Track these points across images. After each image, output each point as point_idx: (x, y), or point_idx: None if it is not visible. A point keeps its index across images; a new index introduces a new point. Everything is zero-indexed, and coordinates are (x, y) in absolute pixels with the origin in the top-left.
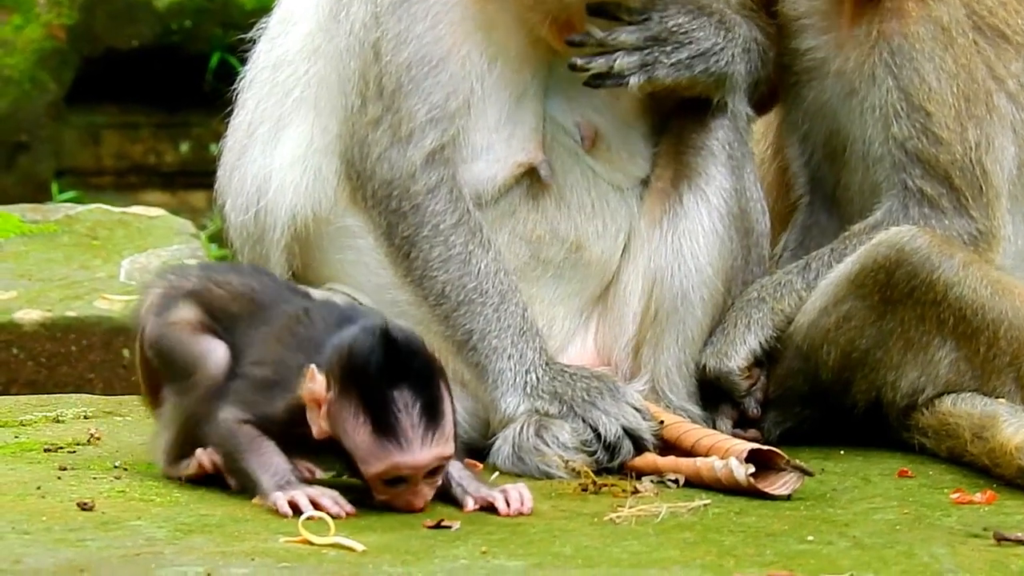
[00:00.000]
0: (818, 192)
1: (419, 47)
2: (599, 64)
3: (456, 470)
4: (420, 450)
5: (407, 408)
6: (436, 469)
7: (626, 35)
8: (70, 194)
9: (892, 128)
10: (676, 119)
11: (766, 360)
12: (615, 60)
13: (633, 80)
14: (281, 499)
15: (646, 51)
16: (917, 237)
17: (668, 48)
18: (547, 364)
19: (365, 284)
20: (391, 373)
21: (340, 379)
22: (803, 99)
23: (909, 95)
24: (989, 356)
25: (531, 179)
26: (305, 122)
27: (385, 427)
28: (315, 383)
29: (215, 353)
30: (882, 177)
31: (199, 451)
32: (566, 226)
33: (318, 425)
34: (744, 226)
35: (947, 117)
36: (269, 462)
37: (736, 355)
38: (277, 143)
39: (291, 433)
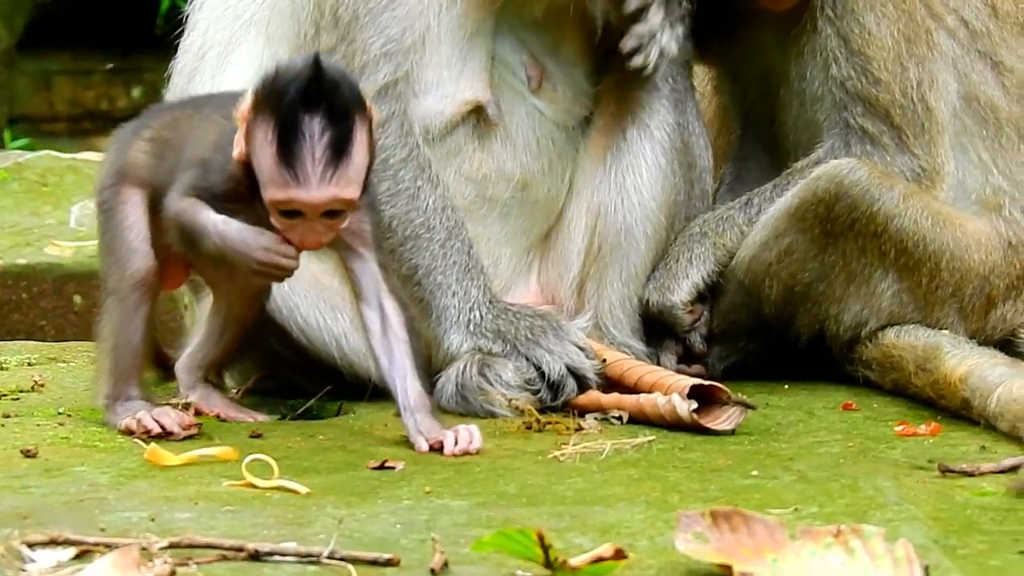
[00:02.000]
0: (752, 127)
1: None
2: (654, 54)
3: (415, 406)
4: (317, 187)
5: (313, 138)
6: (337, 212)
7: (655, 17)
8: (23, 141)
9: (831, 70)
10: (619, 56)
11: (709, 295)
12: (661, 48)
13: (673, 47)
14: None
15: (670, 17)
16: (857, 170)
17: (677, 15)
18: (491, 302)
19: None
20: (308, 99)
21: (260, 97)
22: (738, 38)
23: (848, 41)
24: (931, 287)
25: (478, 117)
26: (255, 48)
27: (288, 154)
28: (244, 102)
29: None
30: (822, 116)
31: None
32: (512, 165)
33: (240, 146)
34: (687, 160)
35: (887, 59)
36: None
37: (679, 289)
38: (225, 68)
39: (233, 201)
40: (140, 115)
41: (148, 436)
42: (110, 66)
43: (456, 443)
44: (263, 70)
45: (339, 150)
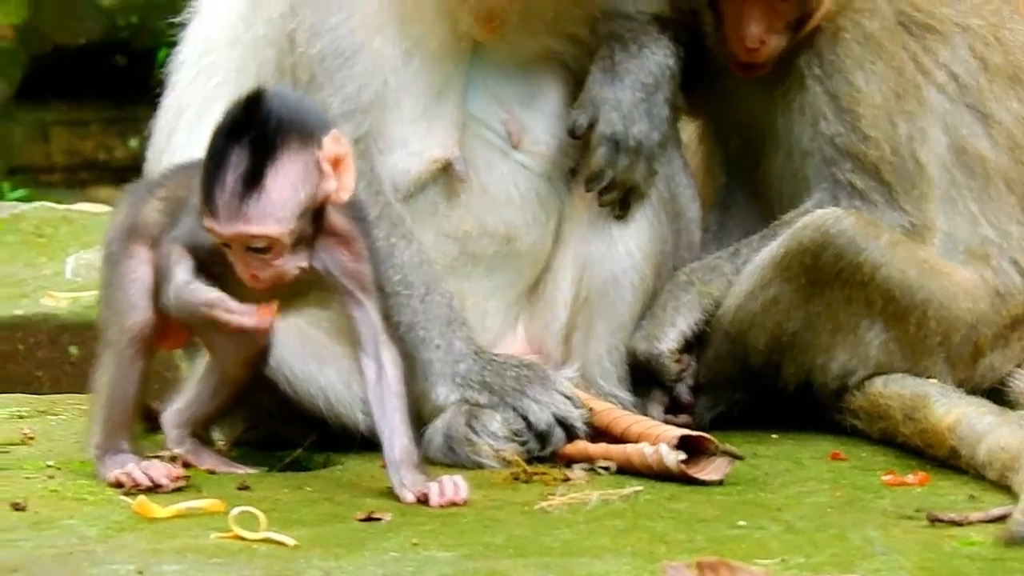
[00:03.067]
0: (737, 176)
1: (333, 39)
2: (613, 196)
3: (401, 459)
4: (226, 218)
5: (227, 169)
6: (265, 247)
7: (623, 161)
8: (21, 192)
9: (820, 126)
10: None
11: (696, 345)
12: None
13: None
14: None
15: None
16: (842, 219)
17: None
18: (476, 354)
19: None
20: (235, 130)
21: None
22: (724, 90)
23: (838, 98)
24: (919, 336)
25: (448, 175)
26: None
27: (207, 183)
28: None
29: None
30: (810, 170)
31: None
32: (494, 220)
33: None
34: (673, 210)
35: (877, 116)
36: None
37: (666, 338)
38: (201, 128)
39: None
40: (158, 174)
41: (137, 489)
42: (107, 117)
43: (442, 494)
44: None
45: (252, 183)
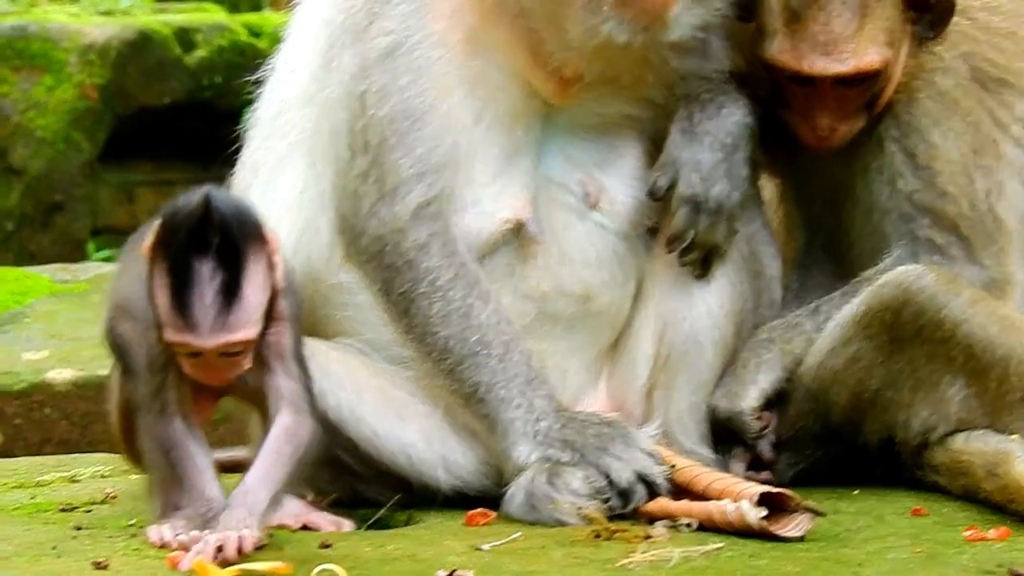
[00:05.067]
0: (818, 235)
1: (402, 100)
2: (694, 256)
3: (236, 500)
4: (209, 333)
5: (203, 285)
6: (236, 352)
7: (704, 222)
8: (105, 252)
9: (898, 183)
10: None
11: (777, 402)
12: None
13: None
14: (154, 532)
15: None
16: (923, 276)
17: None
18: (557, 411)
19: (371, 341)
20: (198, 243)
21: (158, 238)
22: (803, 151)
23: (915, 156)
24: (1000, 393)
25: (521, 235)
26: (300, 169)
27: (179, 300)
28: (147, 239)
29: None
30: (889, 227)
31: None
32: (571, 280)
33: (146, 280)
34: (754, 269)
35: (954, 172)
36: (168, 491)
37: (747, 396)
38: (275, 185)
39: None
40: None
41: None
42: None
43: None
44: (310, 190)
45: (230, 295)
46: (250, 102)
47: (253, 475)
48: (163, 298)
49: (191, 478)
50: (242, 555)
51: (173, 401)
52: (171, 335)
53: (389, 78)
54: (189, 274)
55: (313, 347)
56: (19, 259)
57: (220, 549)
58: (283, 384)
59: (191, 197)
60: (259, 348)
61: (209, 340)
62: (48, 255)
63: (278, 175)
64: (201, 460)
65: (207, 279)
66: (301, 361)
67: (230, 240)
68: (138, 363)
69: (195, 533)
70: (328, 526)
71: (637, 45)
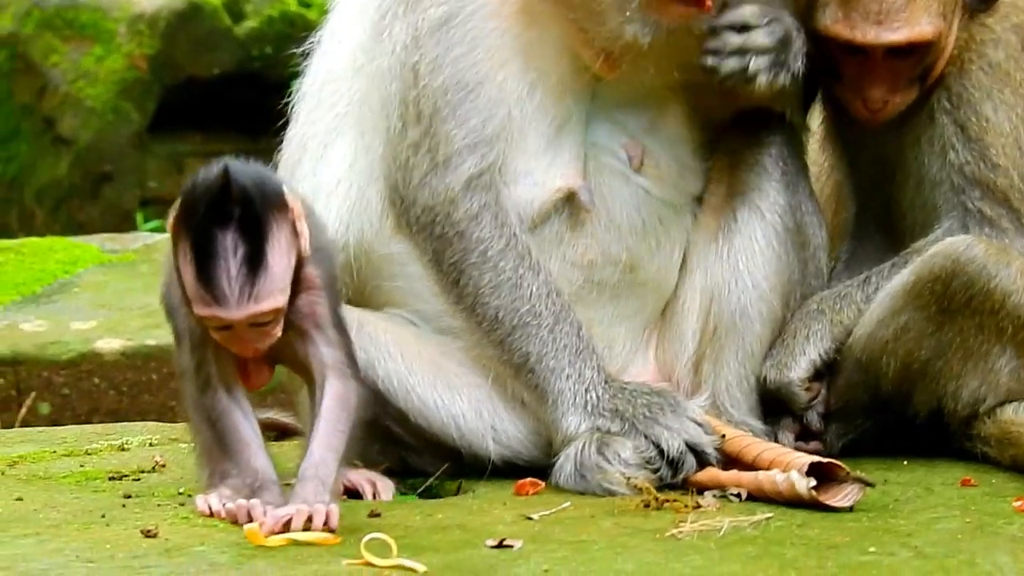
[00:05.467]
0: (868, 206)
1: (455, 72)
2: (732, 65)
3: (304, 474)
4: (236, 305)
5: (227, 257)
6: (266, 321)
7: (762, 38)
8: (154, 223)
9: (949, 156)
10: (729, 135)
11: (826, 373)
12: (749, 61)
13: (762, 79)
14: (201, 501)
15: (777, 53)
16: (973, 247)
17: (793, 51)
18: (606, 382)
19: (422, 312)
20: (219, 215)
21: (179, 213)
22: (853, 123)
23: (966, 128)
24: None
25: (572, 204)
26: (349, 141)
27: (204, 274)
28: (170, 215)
29: None
30: (940, 199)
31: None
32: (618, 248)
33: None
34: (800, 240)
35: (1005, 145)
36: (215, 461)
37: (796, 366)
38: (324, 160)
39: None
40: None
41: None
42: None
43: (324, 521)
44: (359, 162)
45: (254, 265)
46: (299, 73)
47: (318, 446)
48: (189, 273)
49: (237, 449)
50: (330, 528)
51: (215, 374)
52: (200, 309)
53: (442, 49)
54: (212, 247)
55: (362, 318)
56: (67, 229)
57: (310, 520)
58: (325, 352)
59: (210, 170)
60: (295, 318)
61: (237, 312)
62: (96, 225)
63: (327, 148)
64: (247, 431)
65: (230, 251)
66: (341, 327)
67: (251, 210)
68: (182, 332)
69: (241, 502)
70: (366, 485)
71: (664, 43)
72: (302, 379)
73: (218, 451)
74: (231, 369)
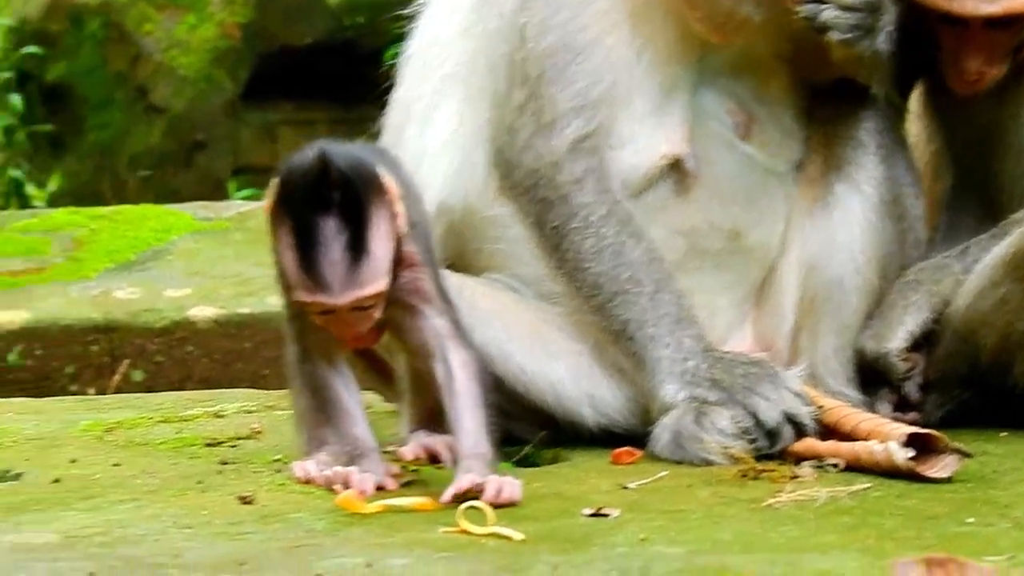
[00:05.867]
0: (966, 177)
1: (563, 35)
2: (808, 9)
3: (466, 456)
4: (339, 291)
5: (328, 244)
6: (368, 305)
7: None
8: (247, 191)
9: None
10: (824, 107)
11: (924, 344)
12: (823, 10)
13: (835, 35)
14: (299, 467)
15: (863, 15)
16: None
17: (881, 21)
18: (705, 351)
19: (522, 276)
20: (319, 201)
21: (277, 197)
22: (951, 93)
23: None
24: None
25: (678, 171)
26: (455, 103)
27: (307, 262)
28: (266, 197)
29: None
30: None
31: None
32: (722, 215)
33: (271, 240)
34: (897, 212)
35: None
36: (314, 428)
37: (894, 337)
38: (430, 122)
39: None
40: None
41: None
42: (334, 117)
43: (497, 493)
44: (466, 125)
45: (356, 251)
46: (393, 41)
47: (468, 423)
48: (290, 260)
49: (338, 417)
50: (514, 503)
51: (314, 345)
52: (302, 295)
53: (550, 11)
54: (313, 234)
55: (461, 283)
56: (159, 198)
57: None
58: (438, 323)
59: (306, 154)
60: (400, 295)
61: (340, 298)
62: (188, 194)
63: (433, 112)
64: (347, 400)
65: (331, 237)
66: (446, 297)
67: (350, 195)
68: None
69: (339, 469)
70: (444, 451)
71: (775, 16)
72: (402, 349)
73: (318, 418)
74: (329, 341)
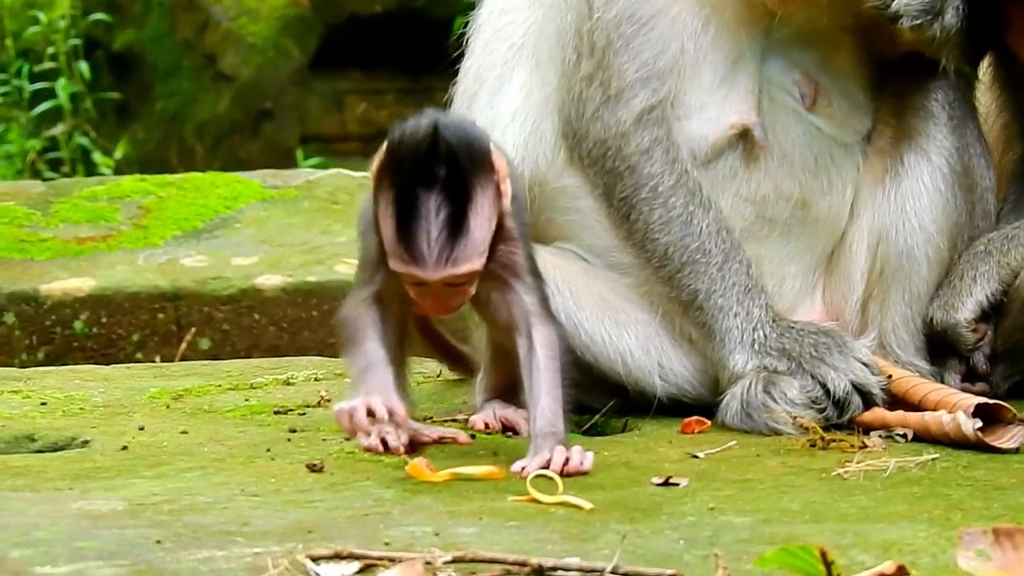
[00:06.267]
0: None
1: (629, 4)
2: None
3: (540, 433)
4: (433, 267)
5: (429, 218)
6: (462, 282)
7: None
8: (315, 160)
9: None
10: (895, 78)
11: (993, 314)
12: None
13: (905, 22)
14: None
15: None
16: None
17: (951, 3)
18: (774, 321)
19: (592, 246)
20: (425, 174)
21: (384, 164)
22: (1017, 63)
23: None
24: None
25: (746, 140)
26: (525, 72)
27: (405, 231)
28: (375, 161)
29: None
30: None
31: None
32: (790, 184)
33: (372, 205)
34: (967, 183)
35: None
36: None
37: (963, 307)
38: (500, 92)
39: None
40: None
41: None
42: (401, 86)
43: (566, 463)
44: (535, 95)
45: (456, 229)
46: (463, 10)
47: (547, 401)
48: (388, 229)
49: (363, 367)
50: (583, 473)
51: (374, 294)
52: (396, 265)
53: None
54: (415, 207)
55: None
56: (227, 166)
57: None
58: (527, 299)
59: (420, 122)
60: (493, 267)
61: (434, 273)
62: (257, 162)
63: (504, 81)
64: (376, 350)
65: (433, 213)
66: (536, 272)
67: (458, 172)
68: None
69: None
70: (523, 423)
71: None
72: (487, 321)
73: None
74: (391, 295)
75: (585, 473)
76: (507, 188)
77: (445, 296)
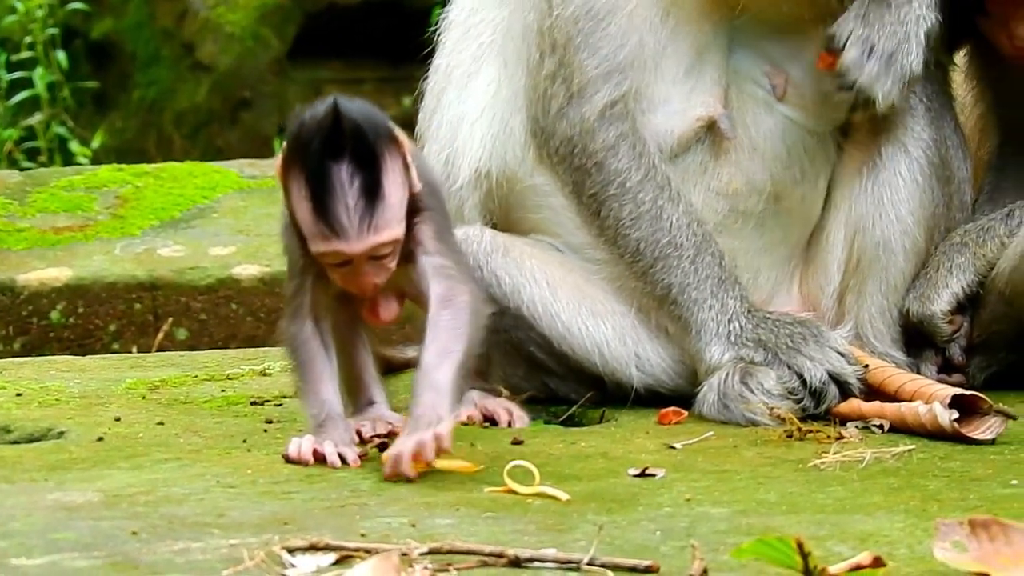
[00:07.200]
0: (1012, 138)
1: (585, 0)
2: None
3: (419, 387)
4: (357, 237)
5: (344, 189)
6: (384, 254)
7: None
8: None
9: None
10: None
11: (969, 306)
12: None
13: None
14: (293, 448)
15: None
16: None
17: (902, 52)
18: (749, 312)
19: (567, 243)
20: (332, 149)
21: (289, 152)
22: (998, 54)
23: None
24: None
25: (714, 133)
26: (493, 70)
27: (322, 208)
28: (278, 158)
29: None
30: None
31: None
32: (762, 176)
33: (284, 199)
34: (944, 174)
35: None
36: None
37: (939, 299)
38: (469, 88)
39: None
40: None
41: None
42: (381, 75)
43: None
44: (503, 92)
45: (371, 196)
46: (442, 1)
47: (428, 353)
48: (305, 210)
49: (310, 380)
50: (442, 453)
51: (307, 304)
52: (318, 245)
53: None
54: (328, 181)
55: (508, 243)
56: (205, 155)
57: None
58: (427, 261)
59: (317, 108)
60: (408, 246)
61: (357, 244)
62: (235, 151)
63: (472, 78)
64: (321, 362)
65: (346, 184)
66: (448, 242)
67: (363, 143)
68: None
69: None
70: (502, 413)
71: None
72: (422, 308)
73: (294, 380)
74: (324, 301)
75: (444, 452)
76: (412, 162)
77: (370, 272)
